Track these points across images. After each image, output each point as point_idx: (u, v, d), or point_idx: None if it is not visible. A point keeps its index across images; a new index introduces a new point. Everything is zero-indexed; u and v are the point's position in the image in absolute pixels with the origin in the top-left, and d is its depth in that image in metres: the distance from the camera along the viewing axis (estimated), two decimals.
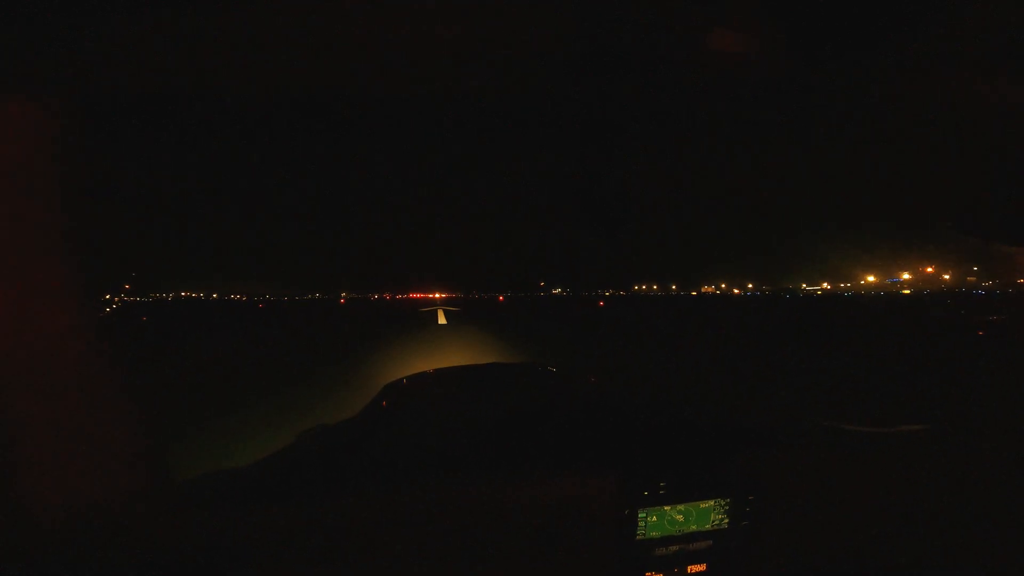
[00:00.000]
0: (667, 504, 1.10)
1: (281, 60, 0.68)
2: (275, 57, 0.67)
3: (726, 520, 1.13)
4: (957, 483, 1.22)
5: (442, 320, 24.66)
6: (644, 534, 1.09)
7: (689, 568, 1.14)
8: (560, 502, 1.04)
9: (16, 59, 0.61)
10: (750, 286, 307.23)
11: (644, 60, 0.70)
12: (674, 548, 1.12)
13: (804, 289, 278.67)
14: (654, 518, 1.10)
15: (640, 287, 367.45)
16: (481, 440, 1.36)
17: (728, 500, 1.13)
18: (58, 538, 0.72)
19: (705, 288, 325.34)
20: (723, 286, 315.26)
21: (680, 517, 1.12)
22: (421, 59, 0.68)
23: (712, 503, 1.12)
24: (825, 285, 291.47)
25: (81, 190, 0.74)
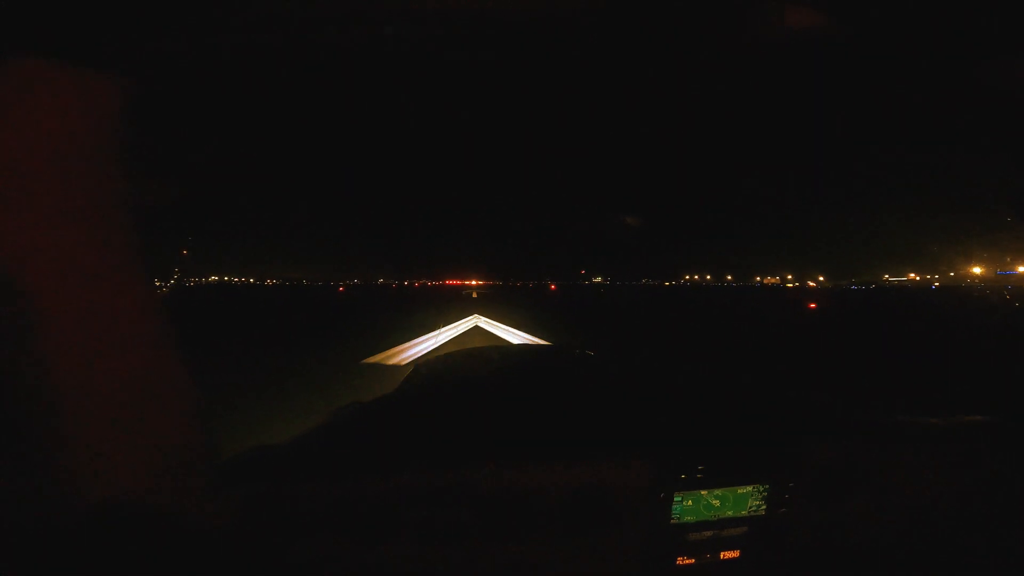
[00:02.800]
0: (704, 488, 1.07)
1: (318, 41, 0.68)
2: (311, 40, 0.67)
3: (763, 507, 1.09)
4: (1018, 478, 1.15)
5: None
6: (678, 518, 1.07)
7: (722, 554, 1.10)
8: (594, 485, 1.02)
9: (71, 39, 0.61)
10: (821, 278, 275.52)
11: (701, 33, 0.67)
12: (708, 533, 1.09)
13: (887, 280, 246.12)
14: (689, 502, 1.07)
15: (692, 277, 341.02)
16: (513, 420, 1.33)
17: (767, 486, 1.09)
18: (98, 522, 0.72)
19: (768, 279, 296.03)
20: (789, 277, 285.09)
21: (716, 502, 1.08)
22: (455, 36, 0.68)
23: (750, 489, 1.09)
24: (912, 276, 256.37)
25: (136, 171, 0.73)
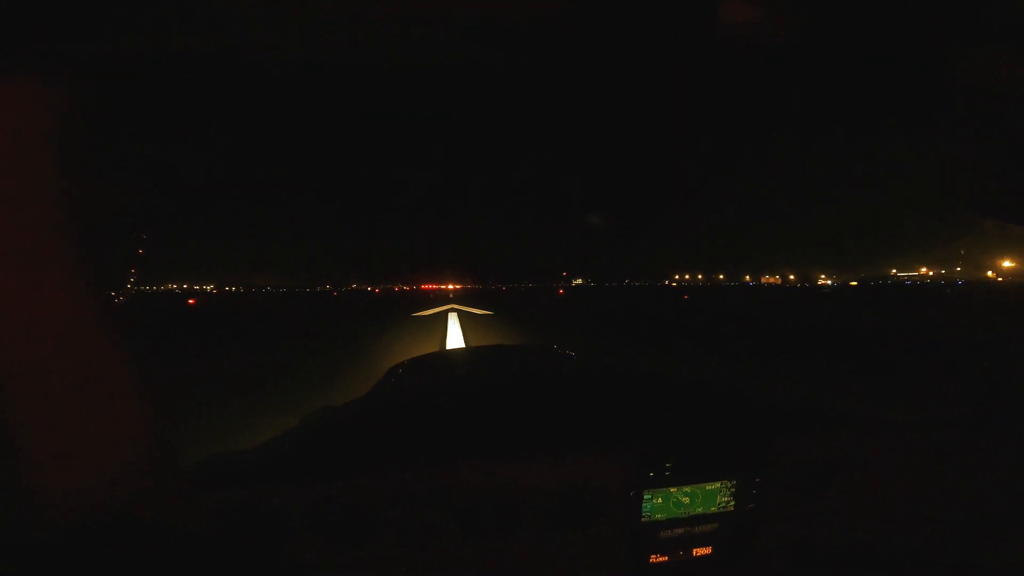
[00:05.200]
0: (673, 486, 1.08)
1: (289, 44, 0.67)
2: (281, 40, 0.66)
3: (732, 503, 1.11)
4: (983, 474, 1.18)
5: None
6: (649, 516, 1.08)
7: (694, 551, 1.12)
8: (566, 483, 1.03)
9: (17, 41, 0.58)
10: (823, 277, 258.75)
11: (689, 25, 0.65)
12: (679, 531, 1.10)
13: (895, 276, 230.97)
14: (659, 500, 1.08)
15: (683, 277, 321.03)
16: (487, 421, 1.35)
17: (735, 482, 1.11)
18: (63, 536, 0.71)
19: (767, 279, 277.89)
20: (791, 277, 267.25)
21: (686, 499, 1.10)
22: (430, 36, 0.67)
23: (718, 485, 1.10)
24: (923, 271, 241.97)
25: (87, 178, 0.71)
